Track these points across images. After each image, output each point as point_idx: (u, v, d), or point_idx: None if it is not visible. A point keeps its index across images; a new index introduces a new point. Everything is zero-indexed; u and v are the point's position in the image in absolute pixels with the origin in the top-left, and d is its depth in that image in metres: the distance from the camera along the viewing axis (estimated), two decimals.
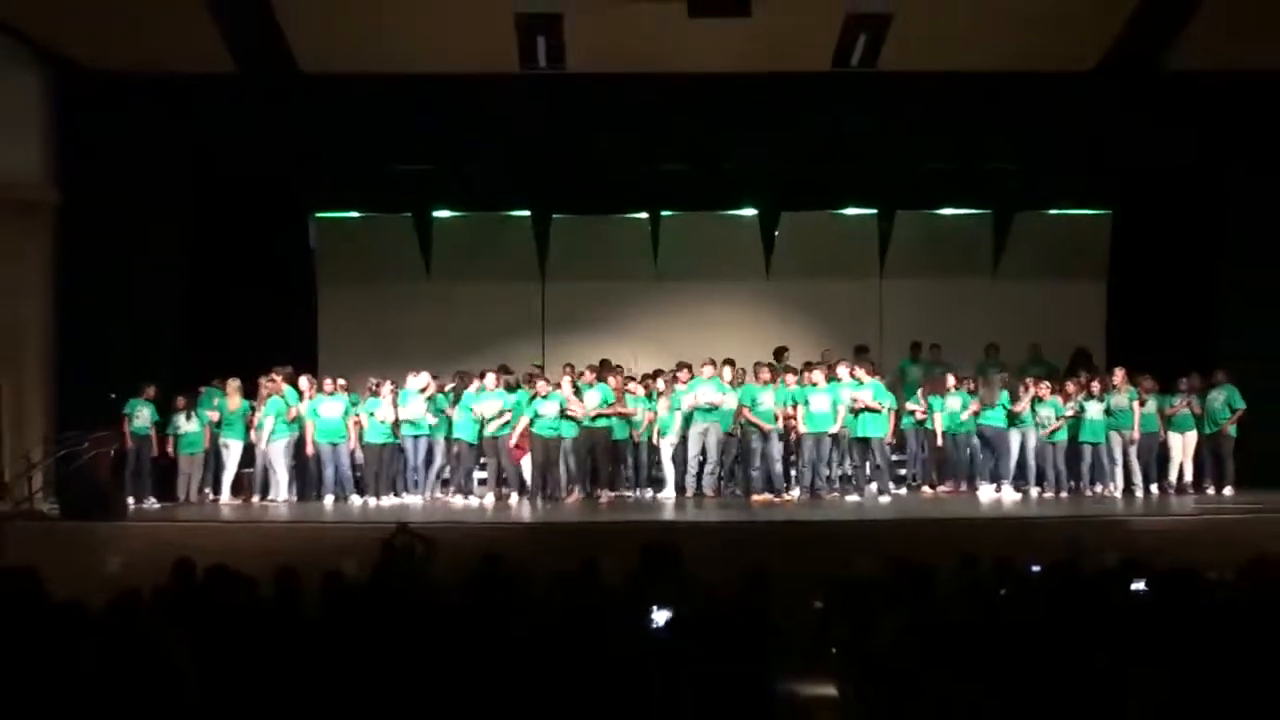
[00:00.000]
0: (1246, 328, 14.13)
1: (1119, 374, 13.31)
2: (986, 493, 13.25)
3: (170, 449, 13.13)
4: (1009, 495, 13.13)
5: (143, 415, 12.93)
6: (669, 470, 13.20)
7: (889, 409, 13.05)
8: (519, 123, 14.17)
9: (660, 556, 6.97)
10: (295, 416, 13.05)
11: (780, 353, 14.79)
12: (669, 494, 13.10)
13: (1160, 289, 15.34)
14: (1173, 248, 15.24)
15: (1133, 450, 13.13)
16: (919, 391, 13.83)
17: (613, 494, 13.23)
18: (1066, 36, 12.63)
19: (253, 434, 13.17)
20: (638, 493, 13.37)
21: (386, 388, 12.98)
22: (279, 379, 13.21)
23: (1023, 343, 15.22)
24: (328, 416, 13.02)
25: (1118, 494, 13.05)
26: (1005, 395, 13.34)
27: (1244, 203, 14.52)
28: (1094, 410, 13.08)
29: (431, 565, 7.99)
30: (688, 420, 12.91)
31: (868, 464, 13.11)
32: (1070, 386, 13.36)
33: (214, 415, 13.21)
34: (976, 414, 13.29)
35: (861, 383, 12.97)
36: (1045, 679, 4.61)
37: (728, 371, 13.18)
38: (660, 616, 5.77)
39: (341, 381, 13.30)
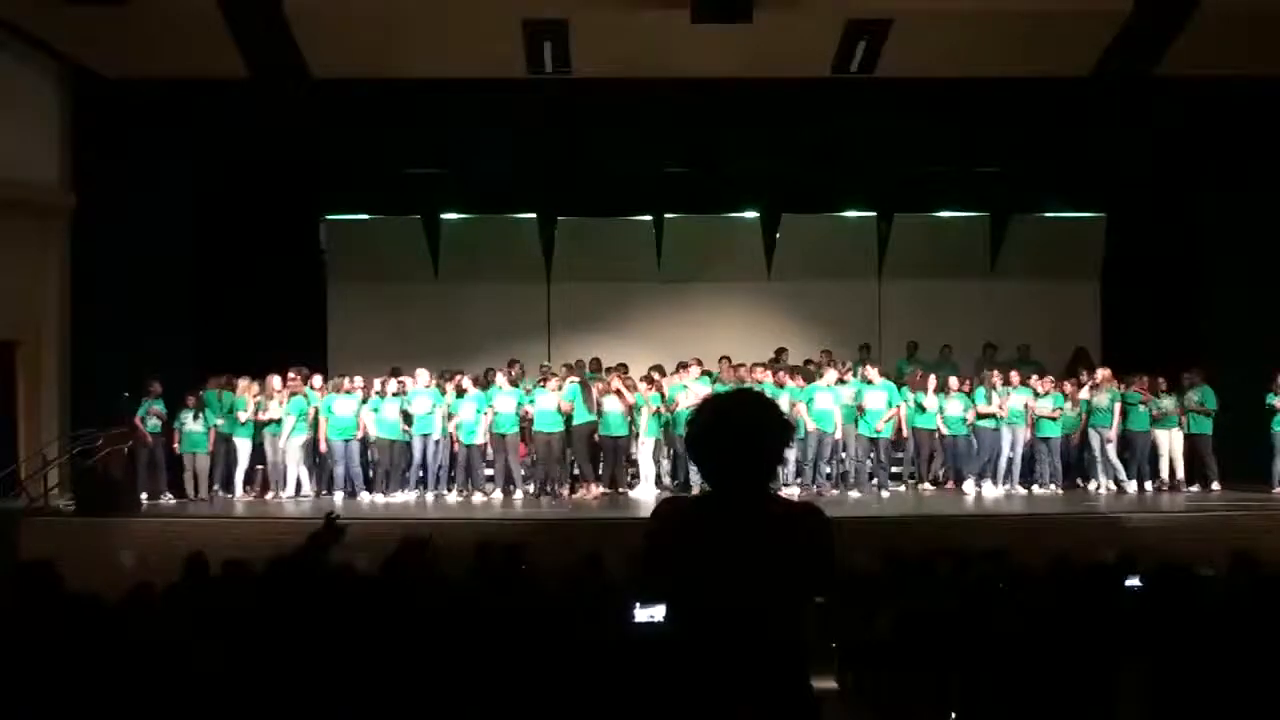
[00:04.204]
0: (1236, 327, 14.31)
1: (1101, 373, 13.51)
2: (985, 489, 13.44)
3: (176, 444, 13.24)
4: (1004, 491, 13.35)
5: (155, 413, 13.11)
6: (648, 468, 13.32)
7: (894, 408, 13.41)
8: (525, 127, 14.39)
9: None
10: (313, 416, 13.29)
11: (780, 353, 15.03)
12: (643, 492, 13.20)
13: (1153, 290, 15.53)
14: (1165, 249, 15.44)
15: (1111, 448, 13.35)
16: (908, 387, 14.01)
17: (609, 491, 13.39)
18: (1061, 43, 12.73)
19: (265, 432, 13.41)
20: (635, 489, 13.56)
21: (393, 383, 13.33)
22: (299, 379, 13.43)
23: (1018, 342, 15.46)
24: (341, 414, 13.24)
25: (1099, 491, 13.31)
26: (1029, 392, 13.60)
27: (1233, 205, 14.69)
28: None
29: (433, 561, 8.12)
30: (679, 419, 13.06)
31: (869, 460, 13.36)
32: (1067, 385, 13.60)
33: (242, 415, 13.32)
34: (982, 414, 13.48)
35: (871, 383, 13.29)
36: (1041, 672, 4.77)
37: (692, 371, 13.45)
38: (645, 614, 5.92)
39: (358, 381, 13.50)
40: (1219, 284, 14.91)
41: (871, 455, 13.41)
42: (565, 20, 12.64)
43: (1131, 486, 13.31)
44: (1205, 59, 12.80)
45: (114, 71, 13.59)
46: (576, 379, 13.41)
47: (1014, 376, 13.68)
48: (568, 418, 13.10)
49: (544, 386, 13.26)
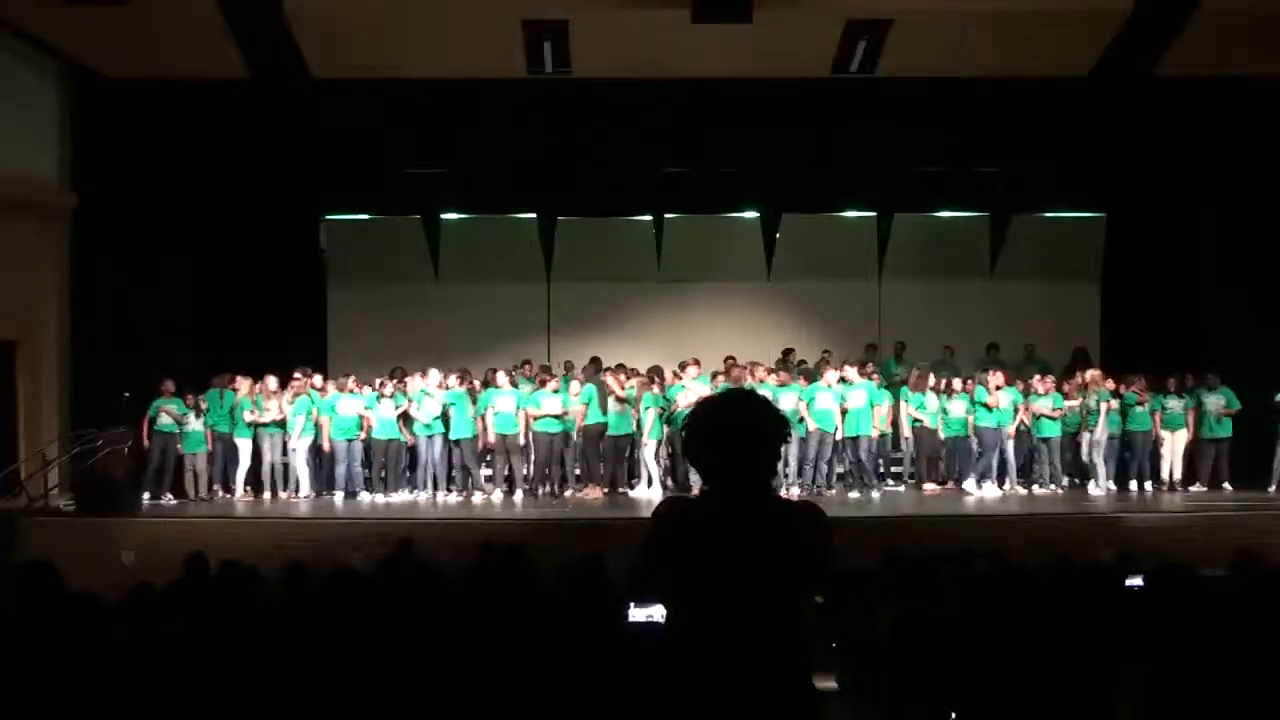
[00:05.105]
0: (1236, 328, 14.32)
1: (1089, 374, 13.52)
2: (985, 489, 13.44)
3: (178, 445, 13.26)
4: (1002, 491, 13.36)
5: (167, 411, 13.07)
6: (653, 469, 13.34)
7: (885, 408, 13.37)
8: (525, 126, 14.43)
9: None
10: (315, 417, 13.29)
11: (787, 354, 15.04)
12: (644, 492, 13.26)
13: (1153, 290, 15.55)
14: (1165, 249, 15.46)
15: (1098, 450, 13.32)
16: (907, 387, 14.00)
17: (609, 490, 13.39)
18: (1061, 43, 12.76)
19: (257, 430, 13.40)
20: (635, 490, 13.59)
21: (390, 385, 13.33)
22: (304, 380, 13.43)
23: (1019, 343, 15.47)
24: (345, 414, 13.24)
25: (1094, 490, 13.30)
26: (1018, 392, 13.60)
27: (1234, 205, 14.71)
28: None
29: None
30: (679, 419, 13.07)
31: (861, 460, 13.37)
32: (1067, 385, 13.61)
33: (250, 415, 13.29)
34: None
35: (852, 383, 13.25)
36: (1041, 672, 4.76)
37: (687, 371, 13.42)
38: (640, 613, 5.92)
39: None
40: (1219, 284, 14.91)
41: (862, 455, 13.39)
42: (565, 20, 12.65)
43: (1103, 489, 13.31)
44: (1205, 59, 12.82)
45: (114, 71, 13.60)
46: (591, 381, 13.44)
47: (1001, 376, 13.65)
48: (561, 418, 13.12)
49: (543, 388, 13.26)
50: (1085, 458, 13.41)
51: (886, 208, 16.33)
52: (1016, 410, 13.47)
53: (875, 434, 13.37)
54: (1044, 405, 13.41)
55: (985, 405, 13.34)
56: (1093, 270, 16.48)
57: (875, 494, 13.26)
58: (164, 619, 5.53)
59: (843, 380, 13.39)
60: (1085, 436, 13.41)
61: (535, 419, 13.09)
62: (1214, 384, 13.40)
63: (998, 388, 13.43)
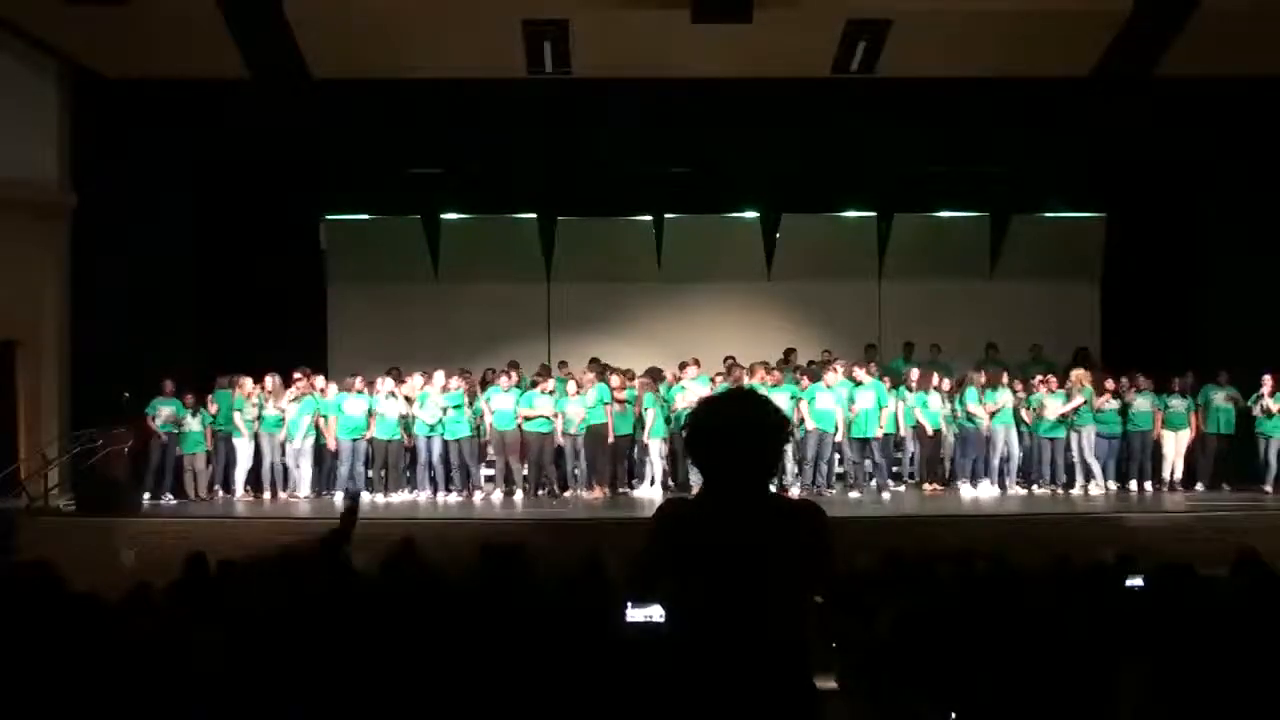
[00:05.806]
0: (1235, 328, 14.31)
1: (1075, 374, 13.51)
2: (981, 489, 13.43)
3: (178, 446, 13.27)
4: (1002, 491, 13.36)
5: (165, 412, 13.09)
6: (657, 467, 13.35)
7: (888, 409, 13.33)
8: (525, 126, 14.41)
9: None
10: (316, 418, 13.30)
11: (789, 354, 15.04)
12: (645, 491, 13.29)
13: (1153, 290, 15.54)
14: (1165, 249, 15.46)
15: (1089, 449, 13.33)
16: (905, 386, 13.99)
17: (608, 491, 13.40)
18: (1061, 43, 12.77)
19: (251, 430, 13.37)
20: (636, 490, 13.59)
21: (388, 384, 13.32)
22: (306, 380, 13.42)
23: (1019, 343, 15.44)
24: (351, 413, 13.23)
25: (1094, 490, 13.29)
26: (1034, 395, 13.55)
27: (1234, 205, 14.72)
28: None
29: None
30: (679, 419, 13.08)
31: (867, 461, 13.35)
32: (1070, 384, 13.62)
33: (239, 417, 13.27)
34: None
35: (860, 383, 13.23)
36: (1041, 672, 4.76)
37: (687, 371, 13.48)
38: (639, 614, 5.92)
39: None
40: (1219, 284, 14.91)
41: (868, 457, 13.39)
42: (565, 20, 12.66)
43: (1101, 488, 13.30)
44: (1205, 59, 12.81)
45: (114, 71, 13.62)
46: (603, 381, 13.44)
47: (1003, 376, 13.63)
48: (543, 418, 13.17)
49: (534, 389, 13.26)
50: (1076, 457, 13.40)
51: (886, 208, 16.34)
52: (1014, 410, 13.45)
53: (880, 434, 13.35)
54: (1055, 404, 13.38)
55: (968, 413, 13.33)
56: (1093, 270, 16.49)
57: (885, 495, 13.24)
58: (164, 619, 5.53)
59: (851, 379, 13.34)
60: (1074, 437, 13.40)
61: (527, 419, 13.10)
62: (1223, 382, 13.41)
63: (999, 387, 13.43)
